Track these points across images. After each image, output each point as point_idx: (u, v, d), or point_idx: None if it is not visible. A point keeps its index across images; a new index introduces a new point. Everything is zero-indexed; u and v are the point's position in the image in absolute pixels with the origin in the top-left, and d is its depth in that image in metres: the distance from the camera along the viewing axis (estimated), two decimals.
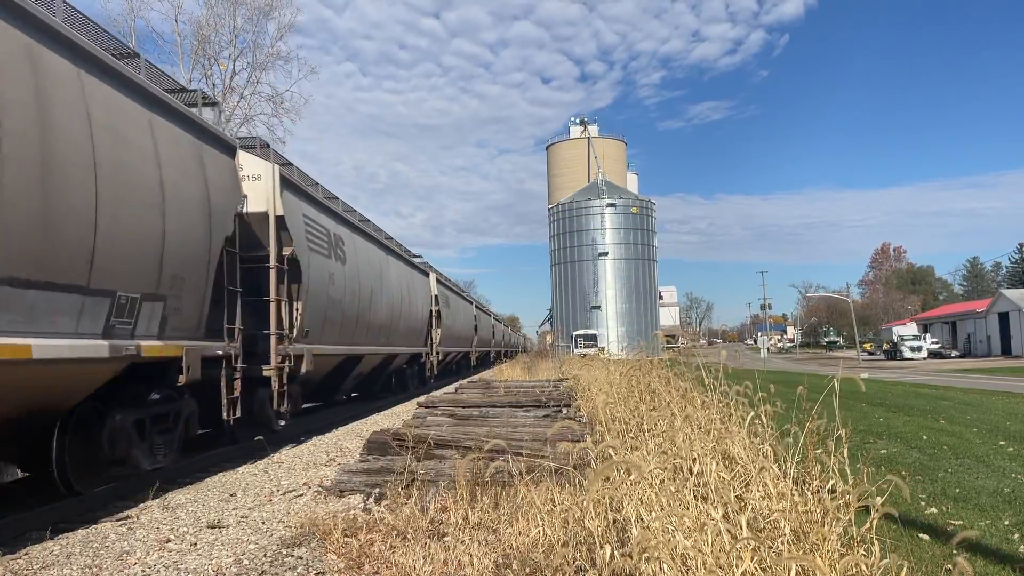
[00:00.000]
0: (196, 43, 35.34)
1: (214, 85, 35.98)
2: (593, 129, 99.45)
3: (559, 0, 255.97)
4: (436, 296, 27.58)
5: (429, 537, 5.56)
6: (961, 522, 6.66)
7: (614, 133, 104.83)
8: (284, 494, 8.29)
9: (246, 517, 7.19)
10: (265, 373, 11.49)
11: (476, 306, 43.94)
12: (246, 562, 5.61)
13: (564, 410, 12.36)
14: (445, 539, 5.41)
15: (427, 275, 26.92)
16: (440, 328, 28.04)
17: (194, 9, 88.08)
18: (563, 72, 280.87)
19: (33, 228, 6.27)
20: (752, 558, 3.20)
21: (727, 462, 4.65)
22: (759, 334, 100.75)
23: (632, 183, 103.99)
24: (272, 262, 11.62)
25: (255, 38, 37.57)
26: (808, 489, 4.00)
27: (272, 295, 11.61)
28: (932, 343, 71.90)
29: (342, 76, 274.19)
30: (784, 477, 4.19)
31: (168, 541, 6.37)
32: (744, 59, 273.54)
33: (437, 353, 27.71)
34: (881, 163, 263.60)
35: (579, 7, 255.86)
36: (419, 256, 28.14)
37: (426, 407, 13.24)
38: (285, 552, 5.78)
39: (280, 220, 11.79)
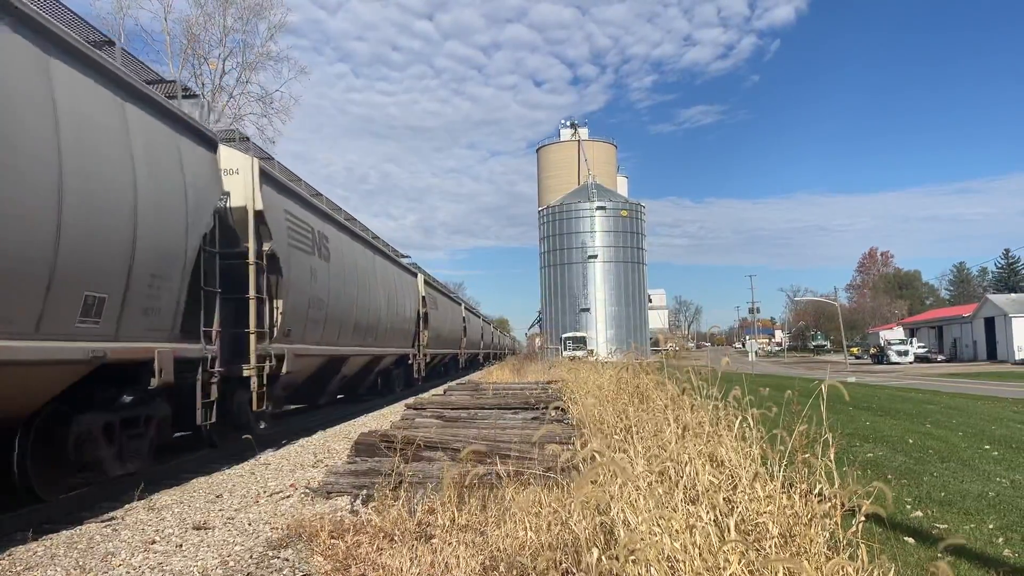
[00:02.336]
0: (185, 42, 35.20)
1: (203, 84, 35.85)
2: (583, 132, 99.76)
3: (552, 3, 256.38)
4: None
5: (416, 539, 5.54)
6: (946, 526, 6.70)
7: (605, 136, 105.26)
8: (271, 496, 8.25)
9: (232, 519, 7.15)
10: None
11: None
12: (232, 564, 5.58)
13: (552, 412, 12.36)
14: (432, 541, 5.39)
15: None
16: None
17: (184, 8, 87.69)
18: (555, 75, 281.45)
19: None
20: (739, 560, 3.20)
21: (715, 465, 4.66)
22: (747, 337, 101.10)
23: (622, 186, 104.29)
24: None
25: (245, 38, 37.44)
26: (795, 492, 4.01)
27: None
28: (919, 347, 72.32)
29: (334, 77, 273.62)
30: (772, 480, 4.20)
31: (153, 542, 6.33)
32: (736, 64, 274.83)
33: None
34: (870, 168, 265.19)
35: (572, 10, 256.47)
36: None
37: (414, 409, 13.22)
38: (271, 554, 5.75)
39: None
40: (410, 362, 24.93)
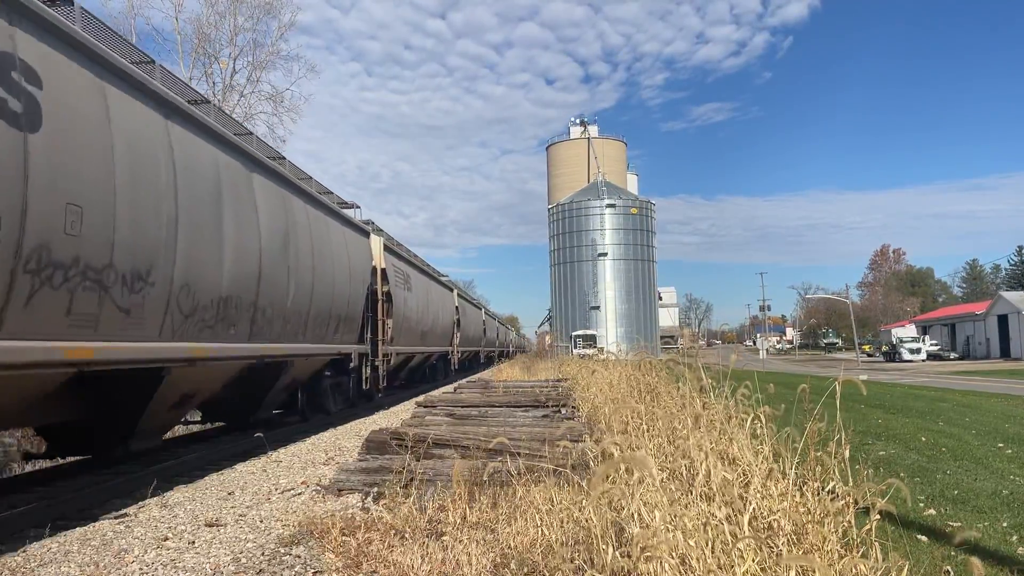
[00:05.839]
0: (196, 41, 35.28)
1: (214, 83, 35.97)
2: (593, 129, 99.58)
3: (565, 2, 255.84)
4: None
5: (427, 536, 5.55)
6: (959, 524, 6.66)
7: (616, 134, 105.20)
8: (282, 493, 8.28)
9: (244, 515, 7.18)
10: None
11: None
12: (244, 560, 5.60)
13: (563, 410, 12.35)
14: (443, 538, 5.39)
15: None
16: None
17: (195, 7, 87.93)
18: (567, 73, 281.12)
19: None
20: (753, 558, 3.19)
21: (728, 462, 4.64)
22: (758, 335, 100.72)
23: (632, 184, 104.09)
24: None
25: (255, 36, 37.50)
26: (808, 490, 3.99)
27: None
28: (931, 345, 71.92)
29: (347, 76, 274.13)
30: (784, 478, 4.19)
31: (166, 539, 6.36)
32: (748, 61, 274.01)
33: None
34: (883, 165, 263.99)
35: (585, 9, 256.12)
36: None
37: (425, 407, 13.23)
38: (283, 551, 5.77)
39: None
40: (449, 357, 33.93)
